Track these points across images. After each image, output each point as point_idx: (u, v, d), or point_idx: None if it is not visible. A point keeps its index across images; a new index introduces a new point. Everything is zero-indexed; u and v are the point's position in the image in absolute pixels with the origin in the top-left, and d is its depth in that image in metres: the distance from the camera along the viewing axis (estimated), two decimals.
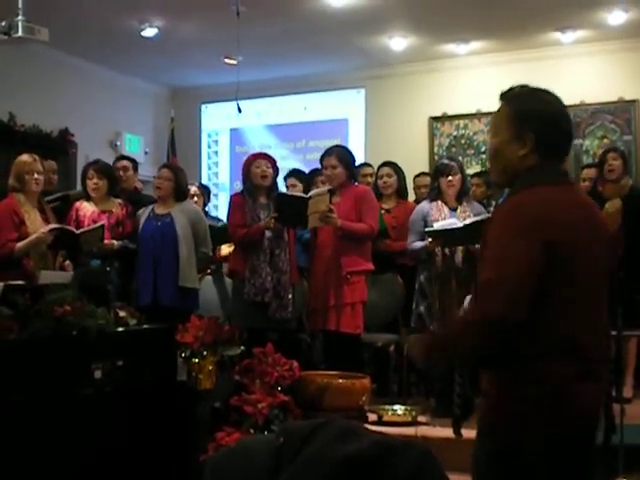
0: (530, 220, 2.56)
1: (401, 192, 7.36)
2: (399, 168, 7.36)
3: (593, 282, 2.65)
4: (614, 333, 4.15)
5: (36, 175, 6.17)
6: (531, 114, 2.76)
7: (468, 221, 5.94)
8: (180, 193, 6.75)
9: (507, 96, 2.91)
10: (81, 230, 6.31)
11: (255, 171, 6.36)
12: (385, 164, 7.41)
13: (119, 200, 6.79)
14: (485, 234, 2.69)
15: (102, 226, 6.36)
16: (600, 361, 2.65)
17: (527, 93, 2.89)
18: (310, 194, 6.25)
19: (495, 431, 2.62)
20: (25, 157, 6.21)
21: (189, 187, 7.33)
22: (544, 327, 2.55)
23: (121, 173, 7.26)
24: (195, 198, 7.50)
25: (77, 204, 6.68)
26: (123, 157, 7.88)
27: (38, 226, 6.07)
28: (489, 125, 9.98)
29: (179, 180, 6.75)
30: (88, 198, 6.71)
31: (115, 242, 6.50)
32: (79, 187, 7.21)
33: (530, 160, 2.71)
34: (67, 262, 6.25)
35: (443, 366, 5.78)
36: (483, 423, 2.68)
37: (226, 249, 7.50)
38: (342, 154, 6.44)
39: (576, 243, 2.59)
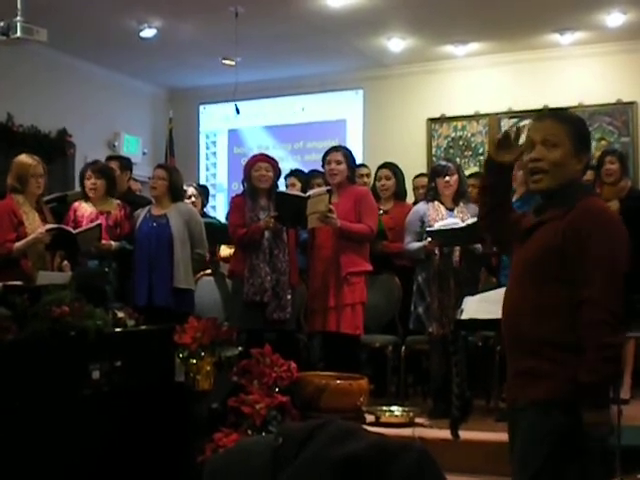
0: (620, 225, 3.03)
1: (399, 194, 7.35)
2: (398, 169, 7.36)
3: None
4: None
5: (39, 178, 6.19)
6: (587, 137, 3.20)
7: (470, 221, 5.93)
8: (175, 193, 6.75)
9: (561, 115, 3.24)
10: (78, 230, 6.31)
11: (255, 174, 6.38)
12: (384, 165, 7.41)
13: (117, 201, 6.79)
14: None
15: (99, 225, 6.37)
16: None
17: (579, 118, 3.31)
18: (309, 194, 6.26)
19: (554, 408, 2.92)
20: (28, 159, 6.21)
21: (186, 188, 7.33)
22: None
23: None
24: (192, 199, 7.50)
25: (75, 204, 6.69)
26: (111, 157, 7.85)
27: (36, 227, 6.08)
28: (487, 127, 10.12)
29: (173, 180, 6.75)
30: (86, 199, 6.71)
31: (113, 243, 6.51)
32: (77, 187, 7.21)
33: (580, 174, 3.15)
34: (65, 262, 6.25)
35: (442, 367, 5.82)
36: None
37: (226, 250, 7.51)
38: (347, 153, 6.49)
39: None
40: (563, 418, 2.88)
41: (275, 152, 10.05)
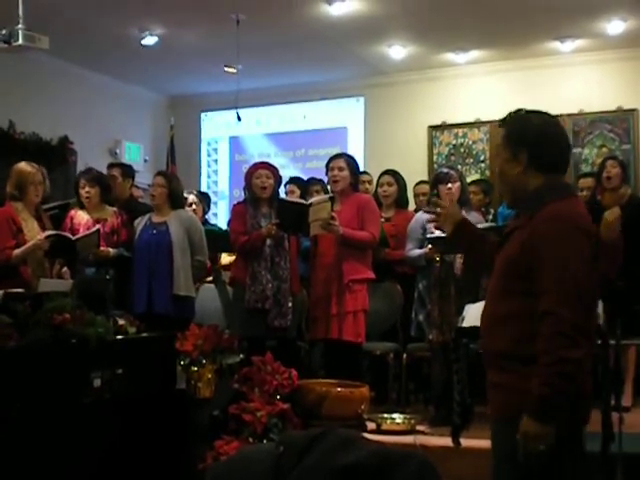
0: (580, 229, 2.90)
1: (401, 201, 7.36)
2: (400, 176, 7.36)
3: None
4: (613, 342, 4.16)
5: (38, 186, 6.19)
6: (522, 134, 3.05)
7: None
8: (175, 200, 6.75)
9: (504, 121, 3.16)
10: (77, 236, 6.31)
11: (256, 182, 6.38)
12: (386, 172, 7.41)
13: (114, 208, 6.80)
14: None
15: (98, 231, 6.37)
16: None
17: (519, 116, 3.13)
18: (311, 201, 6.26)
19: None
20: (27, 167, 6.22)
21: (187, 195, 7.33)
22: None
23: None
24: (193, 206, 7.50)
25: (72, 212, 6.70)
26: (113, 165, 7.84)
27: (35, 234, 6.08)
28: (488, 134, 10.14)
29: (173, 187, 6.74)
30: (82, 207, 6.72)
31: (111, 250, 6.51)
32: None
33: (533, 180, 3.00)
34: (64, 269, 6.25)
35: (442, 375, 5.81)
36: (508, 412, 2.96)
37: (227, 258, 7.51)
38: (350, 160, 6.50)
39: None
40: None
41: (276, 159, 10.08)
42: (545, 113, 3.13)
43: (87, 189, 6.67)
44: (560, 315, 2.75)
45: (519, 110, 3.15)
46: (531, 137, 3.03)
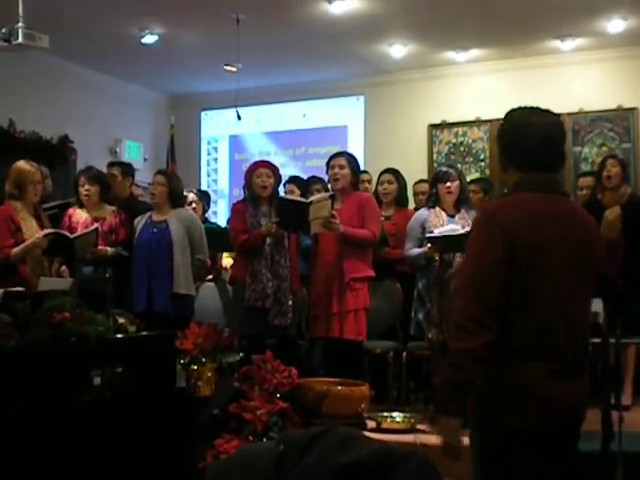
0: (489, 222, 2.91)
1: (401, 199, 7.36)
2: (400, 175, 7.36)
3: (558, 284, 2.86)
4: (612, 341, 4.15)
5: (37, 185, 6.19)
6: (501, 133, 3.10)
7: (469, 228, 5.91)
8: (175, 199, 6.75)
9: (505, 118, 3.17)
10: (75, 234, 6.31)
11: (256, 181, 6.38)
12: (387, 171, 7.41)
13: (112, 208, 6.79)
14: None
15: (96, 230, 6.37)
16: (576, 360, 2.89)
17: (506, 115, 3.13)
18: (311, 199, 6.25)
19: (474, 424, 2.92)
20: (26, 166, 6.21)
21: (187, 194, 7.32)
22: (511, 327, 2.83)
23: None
24: (193, 205, 7.50)
25: (70, 211, 6.69)
26: (113, 164, 7.84)
27: (34, 233, 6.07)
28: (488, 133, 10.14)
29: (173, 186, 6.75)
30: (81, 205, 6.71)
31: (109, 249, 6.51)
32: None
33: (512, 177, 3.03)
34: (63, 268, 6.24)
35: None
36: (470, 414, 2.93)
37: (227, 259, 7.52)
38: (350, 159, 6.50)
39: (535, 247, 2.84)
40: (479, 435, 2.92)
41: (276, 158, 10.09)
42: (533, 109, 3.09)
43: (87, 187, 6.67)
44: (458, 307, 2.84)
45: (517, 108, 3.13)
46: (506, 134, 3.06)
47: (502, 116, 3.15)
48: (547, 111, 3.10)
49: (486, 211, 3.04)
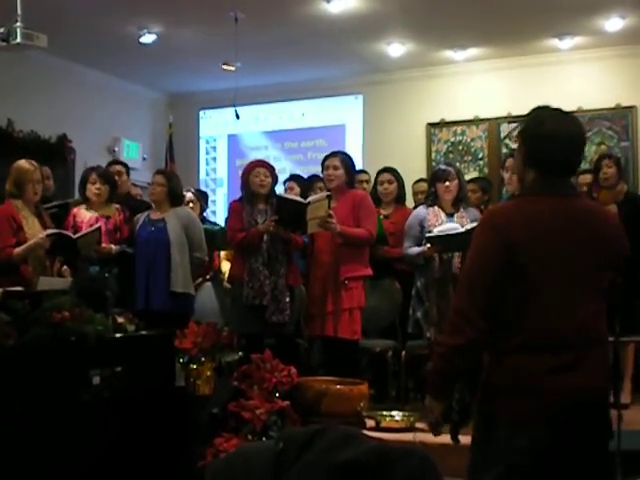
0: (488, 225, 3.04)
1: (400, 198, 7.36)
2: (399, 174, 7.37)
3: (559, 283, 2.92)
4: (611, 339, 4.16)
5: (37, 184, 6.17)
6: (523, 133, 3.14)
7: (469, 226, 5.91)
8: (174, 198, 6.76)
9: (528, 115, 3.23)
10: (78, 234, 6.30)
11: (254, 180, 6.38)
12: (385, 170, 7.40)
13: (117, 205, 6.79)
14: None
15: (99, 228, 6.36)
16: (583, 354, 2.90)
17: (530, 113, 3.17)
18: (309, 200, 6.27)
19: (478, 416, 3.03)
20: (26, 164, 6.20)
21: (185, 193, 7.33)
22: (512, 326, 2.91)
23: (116, 178, 7.22)
24: (190, 204, 7.51)
25: (75, 210, 6.68)
26: (116, 162, 7.86)
27: (36, 232, 6.06)
28: (486, 131, 10.15)
29: (173, 185, 6.75)
30: (87, 204, 6.70)
31: (113, 246, 6.50)
32: (77, 193, 7.20)
33: (530, 175, 3.07)
34: (65, 267, 6.23)
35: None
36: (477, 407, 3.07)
37: (224, 262, 7.52)
38: (345, 158, 6.51)
39: (532, 246, 2.91)
40: (482, 427, 3.03)
41: (274, 157, 10.09)
42: (557, 111, 3.13)
43: (98, 186, 6.64)
44: (452, 304, 3.06)
45: (546, 108, 3.17)
46: (534, 137, 3.07)
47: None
48: (573, 117, 3.19)
49: (486, 214, 3.19)
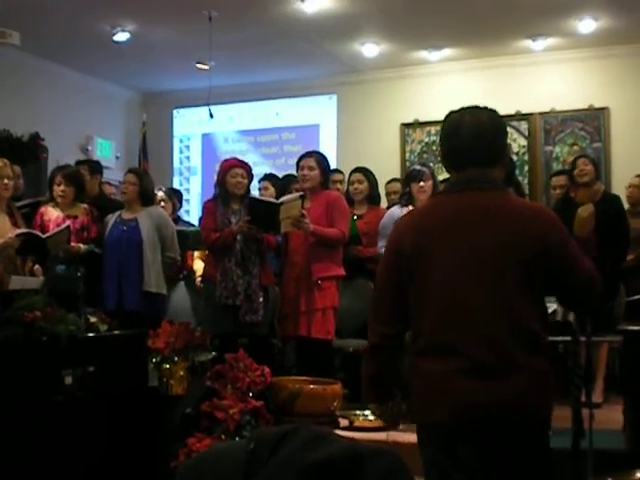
0: (390, 234, 3.27)
1: (372, 198, 7.36)
2: (371, 174, 7.36)
3: (454, 285, 2.86)
4: (583, 339, 4.18)
5: (6, 180, 6.11)
6: (440, 136, 3.15)
7: None
8: (146, 197, 6.72)
9: None
10: (48, 234, 6.25)
11: (230, 181, 6.36)
12: (356, 170, 7.41)
13: (85, 205, 6.73)
14: None
15: (67, 228, 6.31)
16: (495, 358, 2.79)
17: (444, 117, 3.15)
18: (282, 200, 6.26)
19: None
20: None
21: (156, 192, 7.29)
22: (416, 329, 2.96)
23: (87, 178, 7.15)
24: (162, 203, 7.47)
25: (42, 209, 6.62)
26: (80, 162, 7.77)
27: (7, 230, 6.00)
28: None
29: (144, 184, 6.72)
30: (54, 203, 6.65)
31: (82, 246, 6.46)
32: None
33: (451, 177, 3.13)
34: (36, 267, 6.19)
35: None
36: None
37: (197, 261, 7.49)
38: (320, 159, 6.50)
39: (420, 250, 2.93)
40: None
41: (249, 156, 10.05)
42: (468, 108, 3.08)
43: (62, 188, 6.59)
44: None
45: (455, 110, 3.13)
46: (441, 137, 3.12)
47: None
48: (484, 108, 3.08)
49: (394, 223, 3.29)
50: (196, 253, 7.67)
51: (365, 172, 7.35)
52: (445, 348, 2.84)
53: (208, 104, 9.31)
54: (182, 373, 5.45)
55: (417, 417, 2.97)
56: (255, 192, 7.18)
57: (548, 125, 9.78)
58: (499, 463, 2.82)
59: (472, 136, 2.98)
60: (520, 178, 9.13)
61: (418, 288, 2.93)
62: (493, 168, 3.01)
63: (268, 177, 7.97)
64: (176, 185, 11.38)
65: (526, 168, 9.85)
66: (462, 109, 3.08)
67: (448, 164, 3.09)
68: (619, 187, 8.41)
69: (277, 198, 6.70)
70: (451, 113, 3.10)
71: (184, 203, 10.49)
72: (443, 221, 2.94)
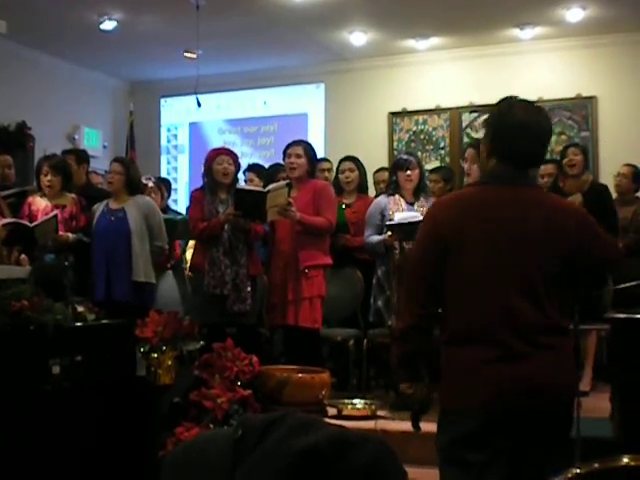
0: (427, 216, 3.20)
1: (362, 187, 7.36)
2: (360, 163, 7.36)
3: (492, 276, 2.93)
4: (571, 327, 4.19)
5: None
6: (490, 122, 3.18)
7: None
8: (132, 186, 6.69)
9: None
10: (35, 223, 6.23)
11: (217, 168, 6.34)
12: (347, 159, 7.40)
13: (73, 195, 6.71)
14: None
15: (55, 216, 6.29)
16: (524, 345, 2.90)
17: (500, 102, 3.20)
18: (268, 188, 6.25)
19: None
20: None
21: (145, 182, 7.27)
22: (449, 314, 3.02)
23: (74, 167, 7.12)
24: (152, 194, 7.44)
25: (30, 199, 6.61)
26: (66, 152, 7.74)
27: None
28: (448, 121, 10.19)
29: (130, 173, 6.69)
30: (42, 193, 6.64)
31: (70, 235, 6.44)
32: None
33: (490, 163, 3.11)
34: (23, 256, 6.17)
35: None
36: None
37: (190, 251, 7.48)
38: (308, 148, 6.50)
39: (466, 237, 2.95)
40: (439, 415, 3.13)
41: (236, 146, 10.05)
42: (527, 102, 3.18)
43: (49, 177, 6.57)
44: (402, 297, 3.27)
45: (515, 100, 3.19)
46: (496, 121, 3.13)
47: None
48: (543, 109, 3.26)
49: (431, 205, 3.32)
50: (190, 243, 7.65)
51: (356, 161, 7.35)
52: (478, 335, 2.92)
53: (196, 93, 9.29)
54: (170, 362, 5.44)
55: (446, 402, 3.01)
56: (241, 184, 7.15)
57: None
58: (529, 445, 2.93)
59: (537, 141, 3.11)
60: None
61: (456, 273, 2.97)
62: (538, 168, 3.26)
63: (253, 168, 7.92)
64: (163, 174, 11.35)
65: None
66: (525, 102, 3.18)
67: (502, 156, 3.08)
68: (607, 176, 8.43)
69: (263, 187, 6.69)
70: (510, 102, 3.16)
71: (172, 192, 10.46)
72: (486, 210, 3.00)
